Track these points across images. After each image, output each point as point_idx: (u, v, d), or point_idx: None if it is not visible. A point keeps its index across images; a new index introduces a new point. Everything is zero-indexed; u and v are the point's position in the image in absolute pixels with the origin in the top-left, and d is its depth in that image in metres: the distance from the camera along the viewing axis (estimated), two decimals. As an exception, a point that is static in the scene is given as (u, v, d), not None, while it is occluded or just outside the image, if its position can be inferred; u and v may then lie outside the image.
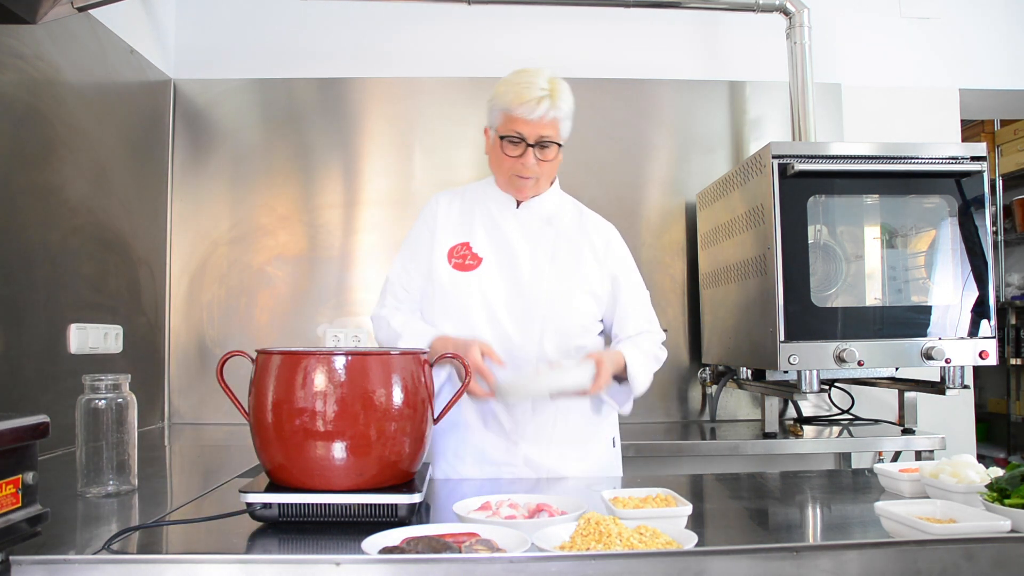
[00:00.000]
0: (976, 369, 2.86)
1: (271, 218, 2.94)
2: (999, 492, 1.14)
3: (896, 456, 2.47)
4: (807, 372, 2.26)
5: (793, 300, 2.24)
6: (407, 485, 1.29)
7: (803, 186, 2.29)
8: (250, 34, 3.00)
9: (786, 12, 2.87)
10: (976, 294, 2.31)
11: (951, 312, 2.30)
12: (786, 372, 2.31)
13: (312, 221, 2.94)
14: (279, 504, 1.23)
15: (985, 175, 2.32)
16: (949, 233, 2.35)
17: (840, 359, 2.22)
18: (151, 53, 2.77)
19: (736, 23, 3.06)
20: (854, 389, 2.84)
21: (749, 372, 2.74)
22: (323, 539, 1.18)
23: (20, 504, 1.00)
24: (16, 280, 1.98)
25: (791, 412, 2.88)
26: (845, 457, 2.71)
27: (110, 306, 2.42)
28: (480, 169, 2.95)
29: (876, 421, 2.76)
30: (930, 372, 2.43)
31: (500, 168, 1.74)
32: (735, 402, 2.97)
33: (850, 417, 2.80)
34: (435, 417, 1.39)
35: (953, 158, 2.31)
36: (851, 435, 2.53)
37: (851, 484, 1.62)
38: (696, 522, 1.26)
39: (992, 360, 2.28)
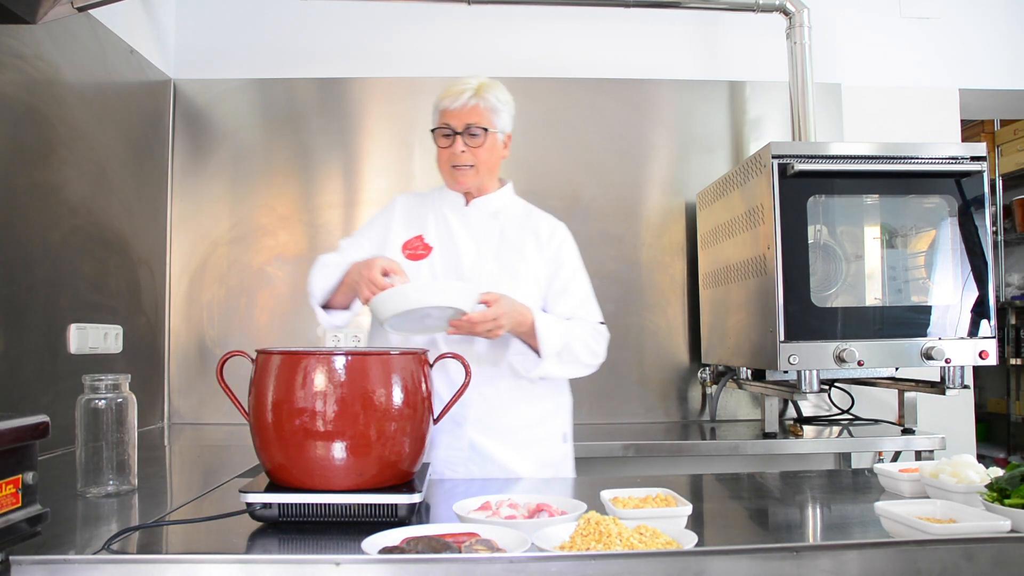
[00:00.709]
0: (976, 369, 2.86)
1: (271, 218, 2.94)
2: (999, 492, 1.14)
3: (896, 456, 2.47)
4: (807, 372, 2.26)
5: (793, 300, 2.24)
6: (407, 485, 1.29)
7: (803, 186, 2.29)
8: (250, 34, 3.00)
9: (786, 12, 2.87)
10: (976, 294, 2.31)
11: (951, 312, 2.30)
12: (786, 372, 2.31)
13: (312, 221, 2.94)
14: (279, 504, 1.23)
15: (985, 175, 2.32)
16: (949, 233, 2.35)
17: (840, 359, 2.22)
18: (151, 53, 2.77)
19: (736, 23, 3.06)
20: (854, 389, 2.84)
21: (749, 372, 2.74)
22: (323, 539, 1.18)
23: (20, 504, 1.00)
24: (16, 280, 1.98)
25: (791, 412, 2.88)
26: (845, 457, 2.72)
27: (110, 306, 2.42)
28: (480, 169, 2.95)
29: (876, 421, 2.75)
30: (930, 372, 2.43)
31: (441, 163, 1.85)
32: (735, 402, 2.97)
33: (850, 417, 2.80)
34: (435, 417, 1.39)
35: (953, 158, 2.31)
36: (851, 435, 2.53)
37: (851, 484, 1.62)
38: (696, 522, 1.26)
39: (992, 360, 2.28)
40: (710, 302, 2.85)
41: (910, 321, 2.29)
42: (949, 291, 2.33)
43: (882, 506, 1.16)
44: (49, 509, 1.05)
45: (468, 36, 3.03)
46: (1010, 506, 1.11)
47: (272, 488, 1.26)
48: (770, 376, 2.62)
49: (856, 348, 2.22)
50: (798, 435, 2.54)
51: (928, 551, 1.00)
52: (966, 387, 2.34)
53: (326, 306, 1.80)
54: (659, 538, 1.04)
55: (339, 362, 1.24)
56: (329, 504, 1.23)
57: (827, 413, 2.85)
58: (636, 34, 3.07)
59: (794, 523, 1.36)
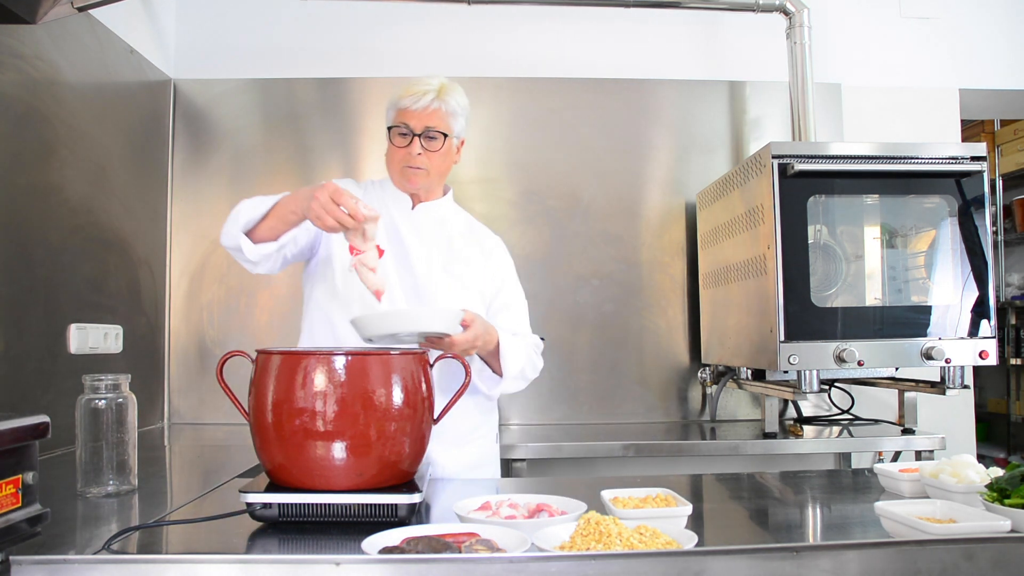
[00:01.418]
0: (976, 369, 2.86)
1: (271, 218, 2.93)
2: (999, 492, 1.15)
3: (896, 456, 2.47)
4: (807, 372, 2.26)
5: (793, 300, 2.24)
6: (407, 485, 1.29)
7: (803, 186, 2.29)
8: (250, 34, 3.00)
9: (786, 12, 2.87)
10: (976, 294, 2.31)
11: (951, 312, 2.30)
12: (786, 372, 2.31)
13: (312, 221, 2.94)
14: (279, 504, 1.23)
15: (985, 175, 2.32)
16: (949, 233, 2.35)
17: (840, 359, 2.22)
18: (151, 53, 2.77)
19: (736, 23, 3.06)
20: (854, 389, 2.84)
21: (749, 372, 2.74)
22: (323, 539, 1.18)
23: (20, 504, 1.00)
24: (16, 280, 1.97)
25: (791, 412, 2.88)
26: (845, 457, 2.72)
27: (110, 306, 2.42)
28: (480, 166, 2.95)
29: (876, 421, 2.75)
30: (930, 372, 2.43)
31: (392, 161, 1.82)
32: (735, 402, 2.97)
33: (850, 417, 2.80)
34: (435, 417, 1.39)
35: (953, 158, 2.31)
36: (851, 435, 2.53)
37: (851, 484, 1.62)
38: (696, 522, 1.26)
39: (992, 360, 2.28)
40: (710, 302, 2.85)
41: (910, 321, 2.29)
42: (949, 291, 2.33)
43: (882, 506, 1.16)
44: (49, 509, 1.05)
45: (468, 36, 3.03)
46: (1010, 506, 1.11)
47: (272, 488, 1.26)
48: (770, 376, 2.62)
49: (856, 348, 2.22)
50: (798, 435, 2.54)
51: (928, 551, 1.00)
52: (966, 387, 2.34)
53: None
54: (659, 538, 1.05)
55: (339, 362, 1.24)
56: (329, 504, 1.23)
57: (827, 413, 2.85)
58: (636, 34, 3.07)
59: (794, 523, 1.36)
